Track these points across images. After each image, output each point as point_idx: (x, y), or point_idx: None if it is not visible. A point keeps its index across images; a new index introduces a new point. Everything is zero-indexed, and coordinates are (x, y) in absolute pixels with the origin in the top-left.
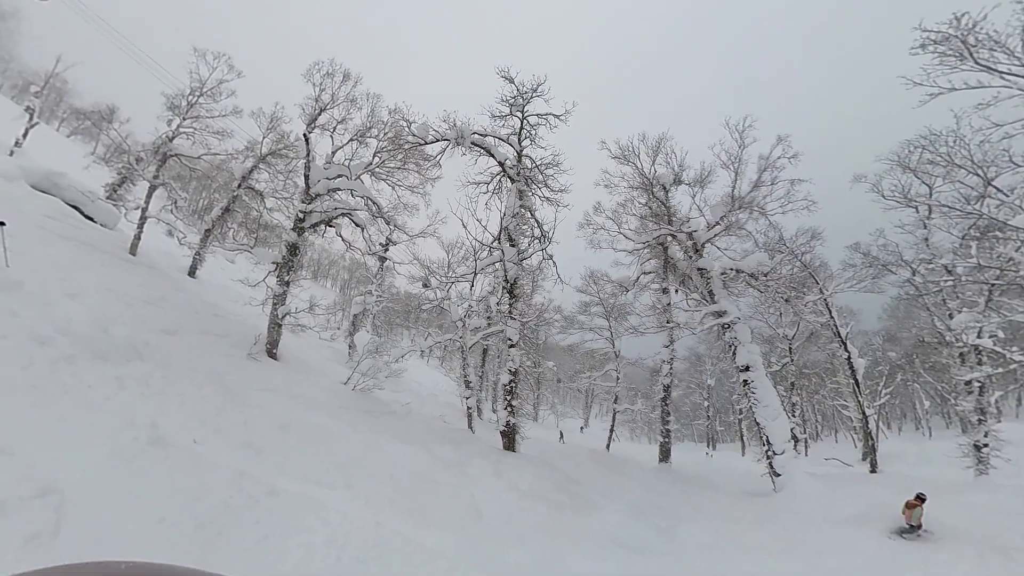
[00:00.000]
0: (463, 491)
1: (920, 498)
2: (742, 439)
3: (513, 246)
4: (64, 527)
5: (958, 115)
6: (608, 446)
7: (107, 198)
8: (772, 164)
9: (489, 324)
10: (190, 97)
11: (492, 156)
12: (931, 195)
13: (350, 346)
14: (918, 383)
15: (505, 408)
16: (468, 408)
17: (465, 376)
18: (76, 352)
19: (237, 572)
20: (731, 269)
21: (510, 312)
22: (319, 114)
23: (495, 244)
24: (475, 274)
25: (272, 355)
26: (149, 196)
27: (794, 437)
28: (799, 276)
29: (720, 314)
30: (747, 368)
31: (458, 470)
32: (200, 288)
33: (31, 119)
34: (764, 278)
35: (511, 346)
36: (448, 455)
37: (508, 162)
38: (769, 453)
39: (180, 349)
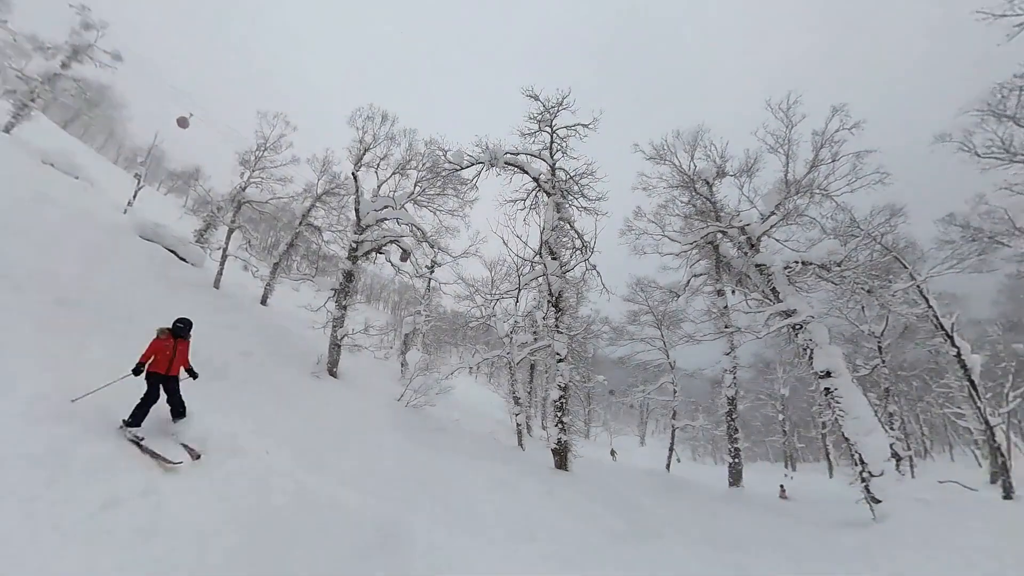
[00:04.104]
0: (515, 511)
1: None
2: (828, 457)
3: (555, 259)
4: (160, 524)
5: None
6: (668, 466)
7: (195, 242)
8: (830, 139)
9: (536, 339)
10: (257, 152)
11: (526, 173)
12: None
13: (402, 364)
14: None
15: (556, 425)
16: (518, 425)
17: (514, 392)
18: None
19: None
20: (796, 262)
21: (556, 326)
22: (364, 154)
23: (536, 258)
24: (519, 289)
25: (332, 373)
26: (228, 238)
27: (895, 455)
28: (881, 262)
29: (788, 313)
30: (828, 374)
31: (509, 489)
32: (270, 314)
33: (138, 183)
34: (838, 268)
35: (559, 360)
36: (498, 473)
37: (542, 177)
38: (864, 474)
39: (254, 368)
